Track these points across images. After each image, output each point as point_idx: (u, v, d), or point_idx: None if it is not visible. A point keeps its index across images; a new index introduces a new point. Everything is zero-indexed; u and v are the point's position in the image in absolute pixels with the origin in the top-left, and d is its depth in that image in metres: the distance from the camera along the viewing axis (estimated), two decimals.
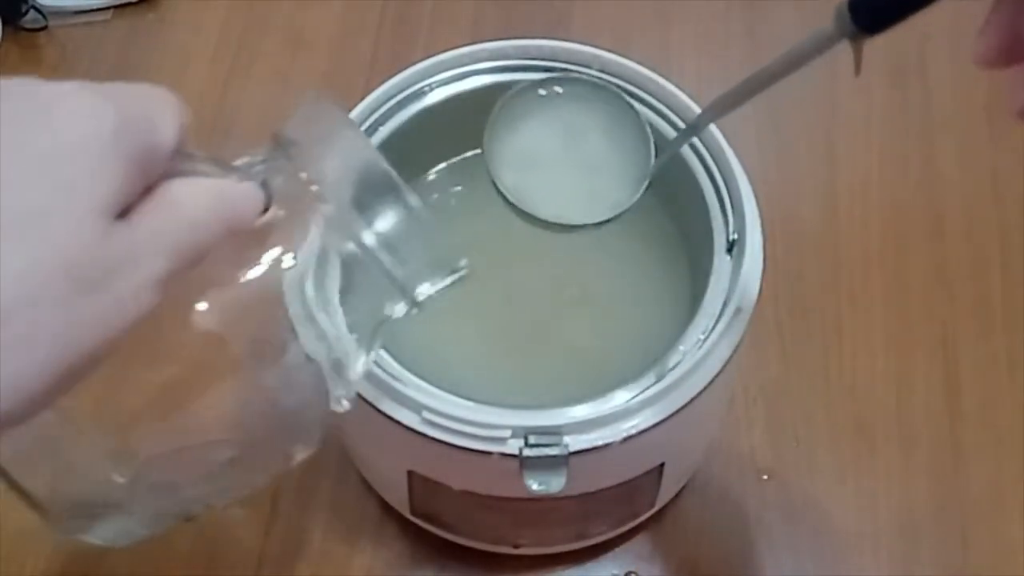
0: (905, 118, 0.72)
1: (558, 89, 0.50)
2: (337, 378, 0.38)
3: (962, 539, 0.58)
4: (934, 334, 0.64)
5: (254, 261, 0.34)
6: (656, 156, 0.48)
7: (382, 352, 0.46)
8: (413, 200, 0.35)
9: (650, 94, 0.53)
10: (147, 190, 0.29)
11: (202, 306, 0.33)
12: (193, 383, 0.34)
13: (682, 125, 0.52)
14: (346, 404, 0.40)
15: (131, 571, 0.57)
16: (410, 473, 0.50)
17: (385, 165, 0.34)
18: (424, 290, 0.36)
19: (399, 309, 0.37)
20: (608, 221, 0.47)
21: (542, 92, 0.50)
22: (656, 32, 0.77)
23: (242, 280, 0.34)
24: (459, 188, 0.58)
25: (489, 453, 0.44)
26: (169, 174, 0.30)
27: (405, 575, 0.57)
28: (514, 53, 0.54)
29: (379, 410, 0.45)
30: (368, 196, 0.34)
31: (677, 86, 0.52)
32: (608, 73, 0.53)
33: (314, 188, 0.34)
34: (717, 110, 0.44)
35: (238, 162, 0.34)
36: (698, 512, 0.59)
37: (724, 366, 0.46)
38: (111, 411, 0.33)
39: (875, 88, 0.74)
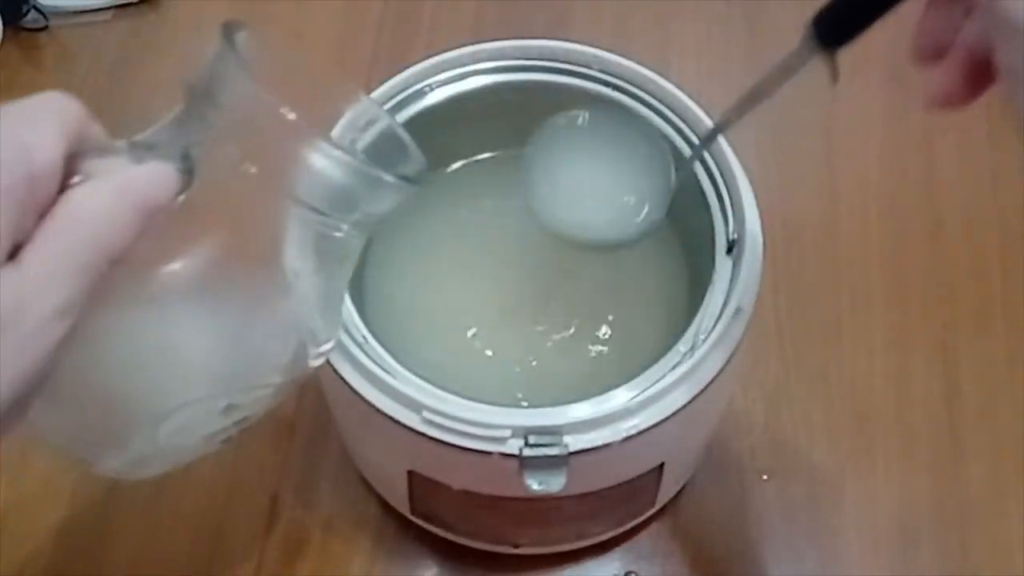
0: (905, 118, 0.72)
1: (587, 119, 0.52)
2: (312, 345, 0.39)
3: (962, 539, 0.58)
4: (934, 334, 0.64)
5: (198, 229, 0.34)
6: (675, 171, 0.50)
7: (382, 352, 0.46)
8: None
9: (650, 94, 0.53)
10: (41, 214, 0.29)
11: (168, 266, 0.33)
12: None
13: (682, 125, 0.52)
14: (319, 362, 0.40)
15: (131, 571, 0.57)
16: (410, 473, 0.50)
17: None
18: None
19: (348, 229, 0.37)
20: (638, 239, 0.50)
21: (579, 121, 0.52)
22: (656, 32, 0.77)
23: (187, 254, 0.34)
24: (461, 189, 0.58)
25: (489, 453, 0.44)
26: (68, 183, 0.30)
27: (405, 575, 0.57)
28: (514, 53, 0.54)
29: (379, 410, 0.45)
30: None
31: (677, 86, 0.52)
32: (608, 73, 0.53)
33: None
34: (722, 126, 0.47)
35: (151, 132, 0.34)
36: (698, 512, 0.59)
37: (724, 366, 0.46)
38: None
39: (875, 88, 0.74)
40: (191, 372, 0.36)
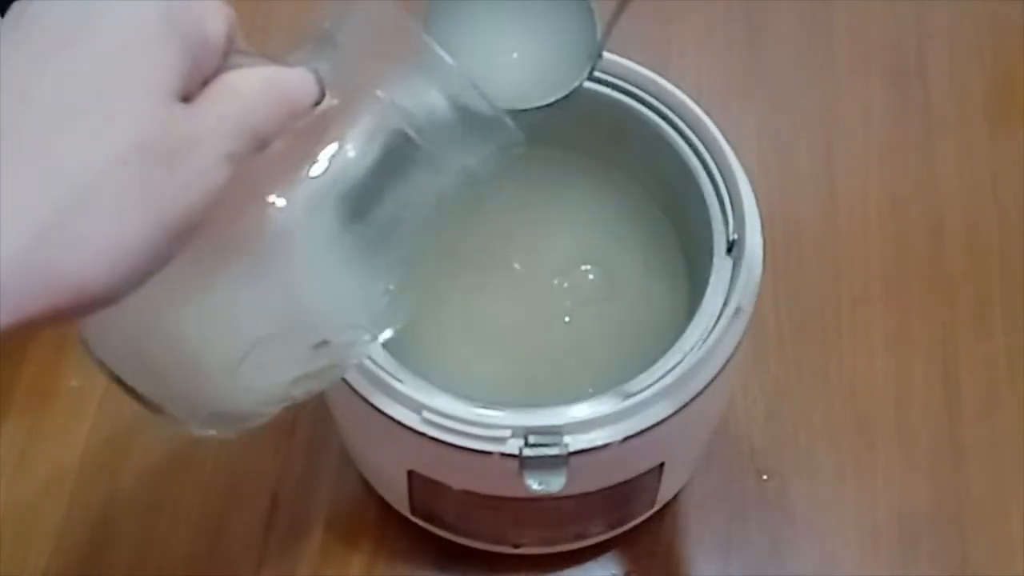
0: (905, 118, 0.72)
1: None
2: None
3: (962, 539, 0.58)
4: (934, 334, 0.64)
5: (316, 153, 0.35)
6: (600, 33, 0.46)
7: (382, 352, 0.46)
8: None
9: (650, 94, 0.53)
10: (204, 83, 0.30)
11: (272, 198, 0.34)
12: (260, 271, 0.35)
13: (682, 125, 0.52)
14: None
15: (131, 571, 0.57)
16: (410, 473, 0.50)
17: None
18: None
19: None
20: (558, 102, 0.46)
21: None
22: (656, 32, 0.77)
23: (309, 173, 0.35)
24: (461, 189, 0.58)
25: (489, 453, 0.44)
26: (223, 69, 0.31)
27: (405, 575, 0.57)
28: None
29: (379, 410, 0.45)
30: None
31: (677, 86, 0.52)
32: (608, 73, 0.53)
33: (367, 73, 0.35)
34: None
35: (289, 58, 0.35)
36: (698, 512, 0.59)
37: (724, 366, 0.46)
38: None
39: (875, 88, 0.73)
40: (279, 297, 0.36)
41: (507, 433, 0.44)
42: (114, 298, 0.28)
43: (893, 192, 0.70)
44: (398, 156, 0.37)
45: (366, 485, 0.58)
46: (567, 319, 0.55)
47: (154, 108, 0.28)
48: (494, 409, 0.45)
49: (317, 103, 0.33)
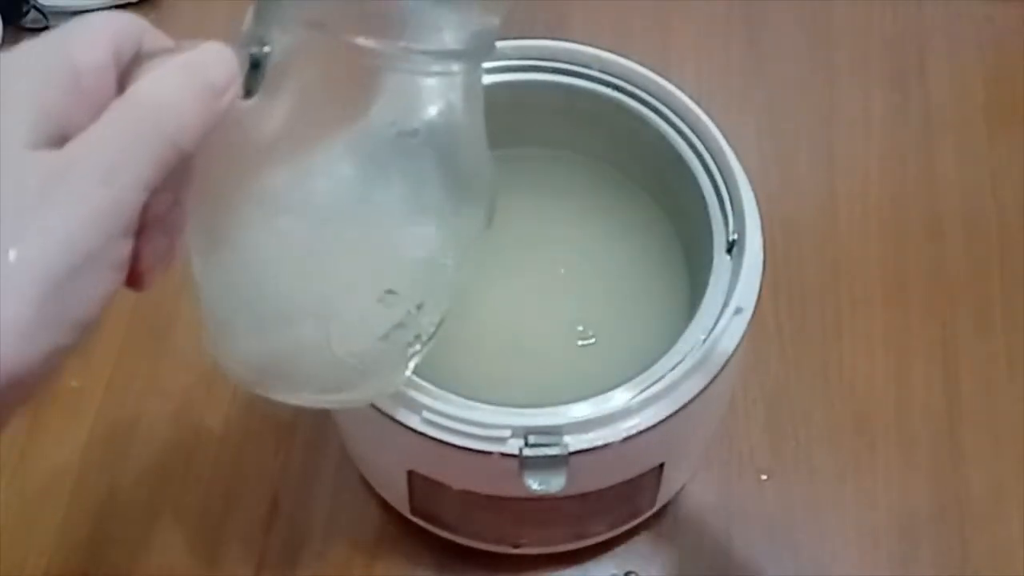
0: (904, 119, 0.72)
1: None
2: None
3: (962, 539, 0.58)
4: (934, 334, 0.64)
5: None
6: None
7: None
8: None
9: (650, 94, 0.53)
10: (98, 109, 0.29)
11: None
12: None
13: (682, 125, 0.52)
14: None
15: (131, 571, 0.57)
16: (410, 473, 0.50)
17: None
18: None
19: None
20: None
21: None
22: (656, 32, 0.77)
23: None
24: None
25: (489, 453, 0.44)
26: (134, 79, 0.30)
27: (405, 575, 0.57)
28: (514, 53, 0.54)
29: (379, 410, 0.45)
30: None
31: (677, 86, 0.52)
32: (608, 73, 0.53)
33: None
34: None
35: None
36: (698, 512, 0.59)
37: (724, 366, 0.46)
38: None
39: (874, 89, 0.74)
40: (332, 249, 0.36)
41: (507, 433, 0.44)
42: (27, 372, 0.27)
43: (893, 192, 0.70)
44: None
45: (366, 485, 0.58)
46: (567, 319, 0.54)
47: (9, 164, 0.27)
48: (494, 409, 0.45)
49: (254, 75, 0.32)
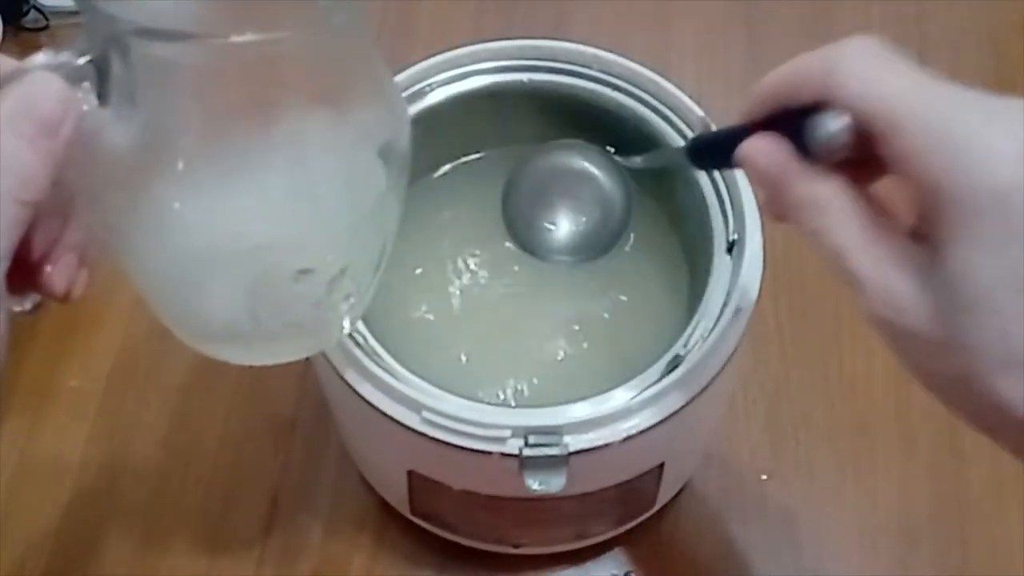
0: None
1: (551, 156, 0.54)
2: None
3: (962, 539, 0.58)
4: None
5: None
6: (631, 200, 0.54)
7: (382, 352, 0.46)
8: None
9: (650, 94, 0.53)
10: None
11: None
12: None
13: (682, 125, 0.52)
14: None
15: (131, 571, 0.57)
16: (410, 473, 0.50)
17: None
18: None
19: None
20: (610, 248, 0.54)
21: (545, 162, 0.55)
22: (656, 32, 0.77)
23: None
24: (462, 189, 0.58)
25: (489, 453, 0.44)
26: None
27: (405, 575, 0.57)
28: (514, 53, 0.54)
29: (379, 410, 0.45)
30: None
31: (677, 86, 0.52)
32: (608, 73, 0.53)
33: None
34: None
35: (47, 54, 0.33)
36: (698, 512, 0.59)
37: (724, 366, 0.46)
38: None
39: None
40: (244, 220, 0.36)
41: (507, 433, 0.44)
42: None
43: (893, 192, 0.69)
44: None
45: (366, 485, 0.58)
46: (567, 319, 0.55)
47: None
48: (494, 409, 0.45)
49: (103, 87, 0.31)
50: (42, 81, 0.30)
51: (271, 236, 0.37)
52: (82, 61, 0.31)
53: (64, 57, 0.31)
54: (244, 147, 0.35)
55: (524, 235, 0.54)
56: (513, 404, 0.50)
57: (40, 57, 0.31)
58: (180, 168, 0.34)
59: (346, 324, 0.44)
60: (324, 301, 0.40)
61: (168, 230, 0.35)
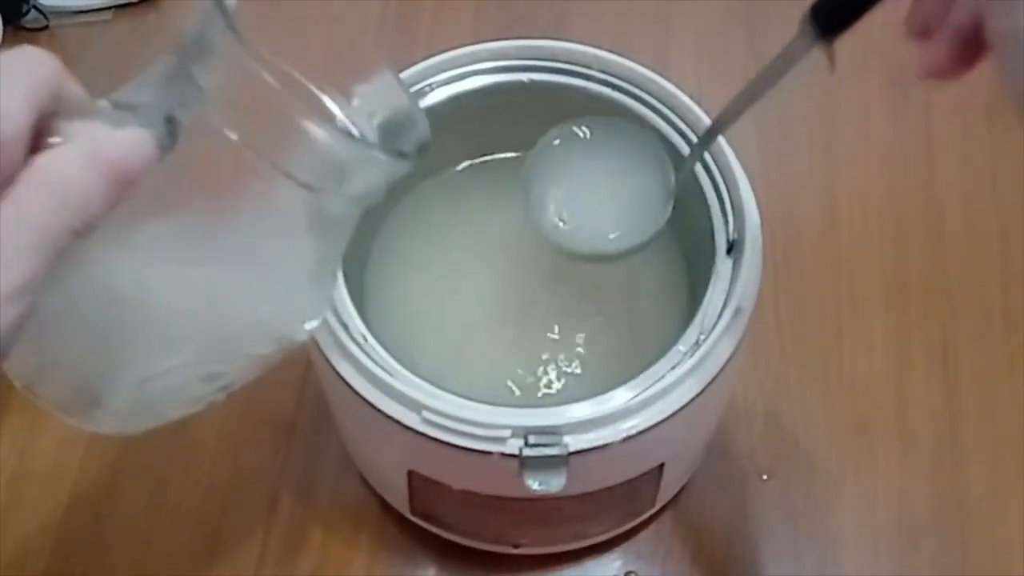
0: (905, 118, 0.72)
1: (587, 130, 0.52)
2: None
3: (962, 539, 0.58)
4: (934, 334, 0.64)
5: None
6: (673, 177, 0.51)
7: (382, 352, 0.46)
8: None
9: (650, 94, 0.53)
10: (8, 178, 0.27)
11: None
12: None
13: (682, 125, 0.52)
14: (303, 336, 0.41)
15: (131, 571, 0.57)
16: (410, 473, 0.50)
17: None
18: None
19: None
20: (644, 245, 0.50)
21: (578, 132, 0.52)
22: (656, 32, 0.77)
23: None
24: (461, 189, 0.58)
25: (489, 453, 0.44)
26: (41, 144, 0.29)
27: (405, 575, 0.57)
28: (514, 53, 0.54)
29: (379, 410, 0.45)
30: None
31: (677, 86, 0.52)
32: (608, 73, 0.53)
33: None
34: (722, 124, 0.47)
35: (135, 86, 0.33)
36: (698, 512, 0.59)
37: (724, 366, 0.46)
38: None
39: (875, 88, 0.74)
40: (168, 335, 0.35)
41: (507, 433, 0.44)
42: None
43: (893, 192, 0.70)
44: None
45: (366, 485, 0.58)
46: (568, 319, 0.55)
47: None
48: (494, 409, 0.45)
49: (166, 149, 0.31)
50: (137, 138, 0.30)
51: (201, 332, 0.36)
52: (160, 116, 0.32)
53: (144, 107, 0.32)
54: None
55: (554, 229, 0.51)
56: (513, 404, 0.49)
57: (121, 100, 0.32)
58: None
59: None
60: (204, 398, 0.39)
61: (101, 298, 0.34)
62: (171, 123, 0.32)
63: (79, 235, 0.28)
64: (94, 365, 0.35)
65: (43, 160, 0.28)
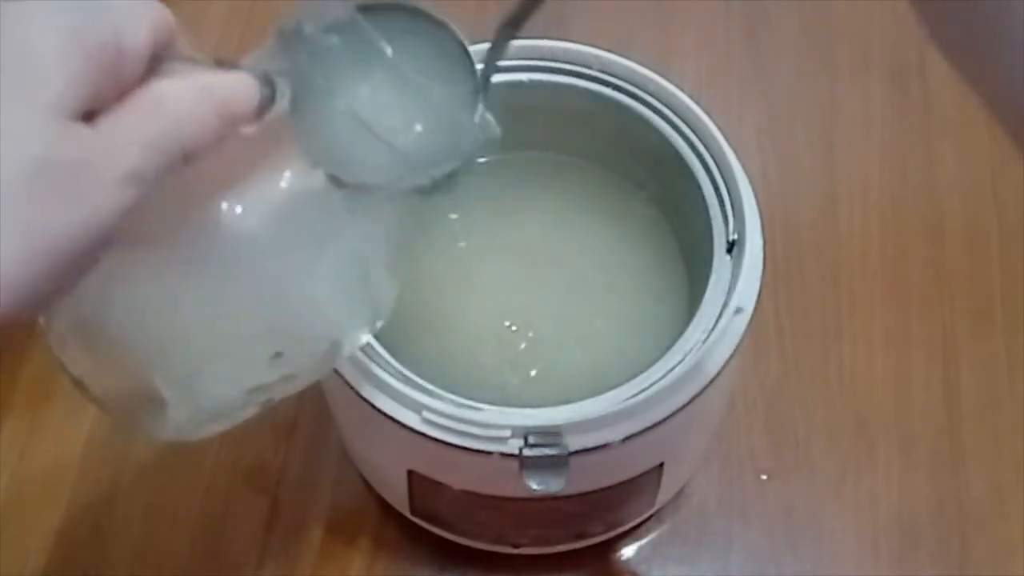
0: (905, 119, 0.72)
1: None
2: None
3: (961, 539, 0.58)
4: (934, 334, 0.64)
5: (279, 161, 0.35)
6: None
7: (382, 352, 0.46)
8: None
9: (650, 94, 0.53)
10: (123, 95, 0.29)
11: (235, 207, 0.34)
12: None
13: (682, 125, 0.52)
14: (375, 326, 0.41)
15: (131, 571, 0.57)
16: (410, 473, 0.50)
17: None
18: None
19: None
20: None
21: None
22: (656, 32, 0.77)
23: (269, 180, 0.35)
24: (463, 190, 0.58)
25: (489, 453, 0.44)
26: (155, 76, 0.30)
27: (405, 575, 0.57)
28: (514, 53, 0.54)
29: (379, 410, 0.45)
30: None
31: (677, 86, 0.52)
32: (608, 73, 0.53)
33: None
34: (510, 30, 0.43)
35: (245, 61, 0.34)
36: (698, 512, 0.59)
37: (724, 366, 0.46)
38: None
39: (875, 88, 0.73)
40: (230, 312, 0.36)
41: (507, 433, 0.44)
42: (11, 320, 0.27)
43: (893, 192, 0.70)
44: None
45: (366, 485, 0.58)
46: (568, 319, 0.55)
47: (44, 129, 0.27)
48: (494, 409, 0.45)
49: (265, 108, 0.32)
50: (243, 79, 0.32)
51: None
52: (269, 79, 0.33)
53: (246, 68, 0.33)
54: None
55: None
56: (513, 404, 0.49)
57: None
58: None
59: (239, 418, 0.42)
60: (254, 395, 0.40)
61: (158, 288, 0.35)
62: (269, 82, 0.33)
63: (187, 160, 0.30)
64: (146, 356, 0.36)
65: (159, 84, 0.30)
